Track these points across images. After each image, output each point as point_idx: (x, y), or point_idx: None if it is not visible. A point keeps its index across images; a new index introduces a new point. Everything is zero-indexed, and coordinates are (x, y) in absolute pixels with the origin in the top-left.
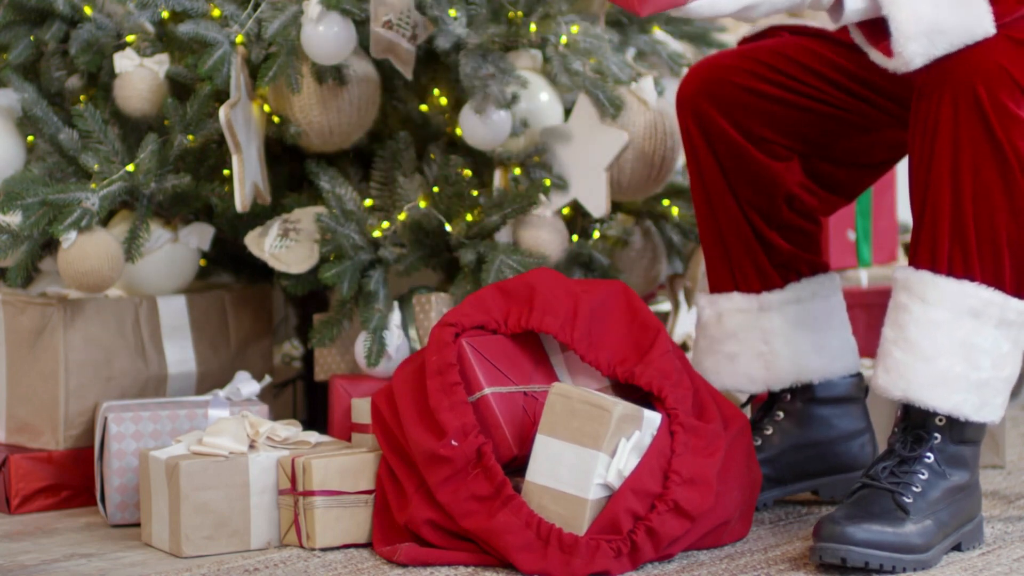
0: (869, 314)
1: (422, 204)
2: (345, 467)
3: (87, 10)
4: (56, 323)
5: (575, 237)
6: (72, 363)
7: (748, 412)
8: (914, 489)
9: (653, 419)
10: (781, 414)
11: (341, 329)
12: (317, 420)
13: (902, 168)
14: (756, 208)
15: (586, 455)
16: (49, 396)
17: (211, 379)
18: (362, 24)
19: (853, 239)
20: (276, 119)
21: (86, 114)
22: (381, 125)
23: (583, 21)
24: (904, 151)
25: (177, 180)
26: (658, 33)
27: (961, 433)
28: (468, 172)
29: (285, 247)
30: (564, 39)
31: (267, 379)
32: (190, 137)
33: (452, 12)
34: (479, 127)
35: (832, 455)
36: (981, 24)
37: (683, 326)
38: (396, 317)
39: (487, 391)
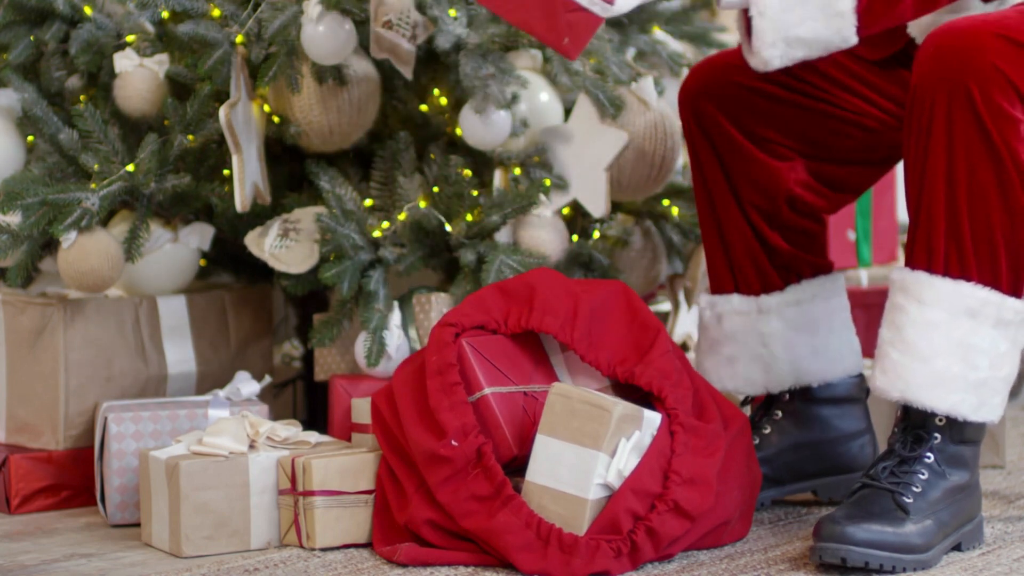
0: (869, 314)
1: (422, 204)
2: (345, 467)
3: (87, 10)
4: (56, 323)
5: (575, 237)
6: (72, 363)
7: (747, 411)
8: (914, 489)
9: (653, 419)
10: (779, 413)
11: (341, 329)
12: (317, 420)
13: (902, 168)
14: (757, 208)
15: (586, 455)
16: (49, 396)
17: (211, 379)
18: (362, 24)
19: (853, 239)
20: (276, 119)
21: (86, 114)
22: (381, 125)
23: None
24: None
25: (177, 180)
26: (658, 33)
27: (961, 433)
28: (468, 172)
29: (285, 247)
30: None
31: (267, 379)
32: (190, 137)
33: (452, 12)
34: (479, 127)
35: (831, 455)
36: (842, 35)
37: (683, 326)
38: (396, 317)
39: (487, 391)
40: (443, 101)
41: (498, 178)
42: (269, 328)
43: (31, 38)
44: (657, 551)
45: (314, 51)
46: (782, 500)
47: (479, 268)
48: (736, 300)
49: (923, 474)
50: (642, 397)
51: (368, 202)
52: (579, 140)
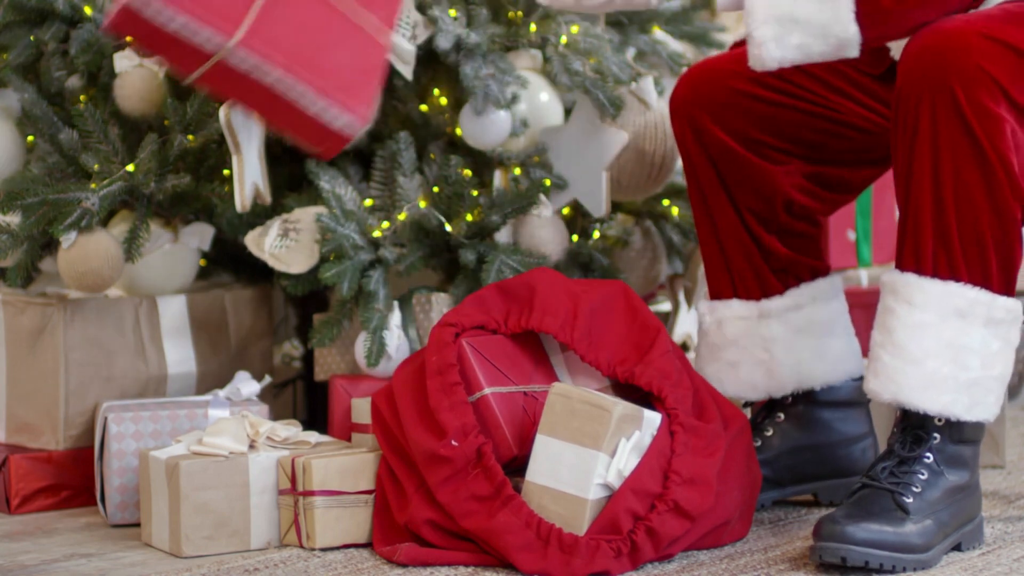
0: (869, 314)
1: (422, 204)
2: (345, 467)
3: (87, 10)
4: (56, 323)
5: (575, 237)
6: (72, 363)
7: (748, 413)
8: (914, 489)
9: (653, 419)
10: (782, 416)
11: (341, 329)
12: (317, 420)
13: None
14: (754, 213)
15: (586, 455)
16: (49, 396)
17: (211, 379)
18: None
19: (853, 239)
20: None
21: (86, 114)
22: (381, 125)
23: (583, 21)
24: None
25: (177, 180)
26: (658, 33)
27: (960, 433)
28: (468, 172)
29: (285, 247)
30: (564, 39)
31: (267, 379)
32: (190, 137)
33: (452, 12)
34: (479, 127)
35: (832, 459)
36: (839, 21)
37: (683, 326)
38: (396, 317)
39: (487, 391)
40: (443, 101)
41: (498, 178)
42: (269, 328)
43: (31, 38)
44: (657, 551)
45: None
46: (782, 501)
47: (479, 268)
48: (736, 305)
49: (923, 474)
50: (642, 397)
51: (368, 202)
52: (579, 140)
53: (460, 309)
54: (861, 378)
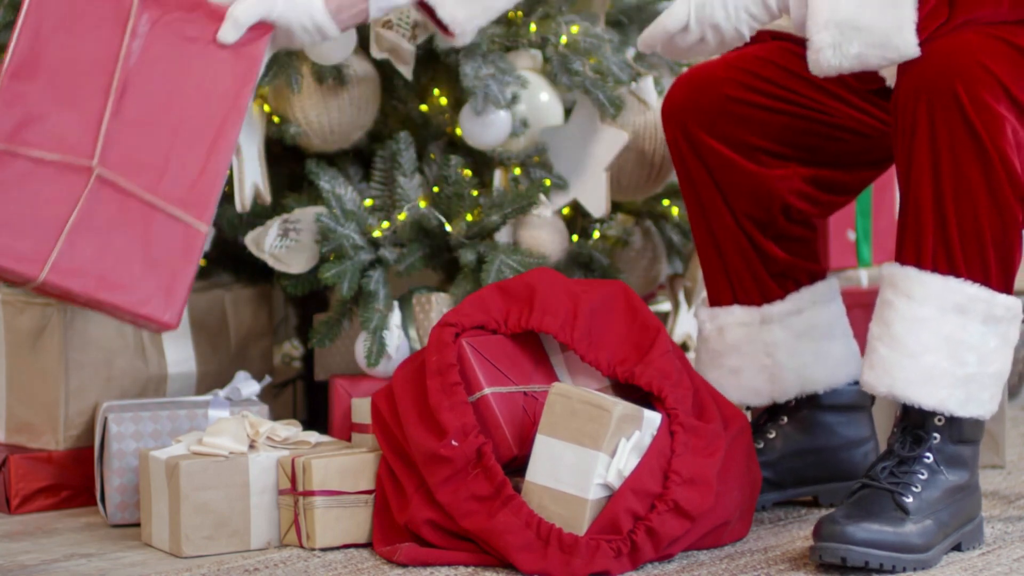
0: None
1: (422, 204)
2: (345, 467)
3: None
4: (56, 323)
5: (575, 237)
6: (72, 363)
7: (748, 415)
8: (914, 489)
9: (653, 419)
10: (785, 419)
11: (341, 329)
12: (317, 420)
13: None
14: (751, 218)
15: (586, 455)
16: (49, 396)
17: (211, 379)
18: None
19: (853, 239)
20: (276, 119)
21: None
22: (381, 125)
23: (583, 21)
24: None
25: None
26: None
27: (960, 432)
28: (468, 172)
29: (285, 247)
30: (564, 39)
31: (267, 379)
32: None
33: None
34: (479, 127)
35: (834, 462)
36: (901, 31)
37: (683, 326)
38: (396, 317)
39: (487, 391)
40: (443, 101)
41: (498, 178)
42: (269, 328)
43: None
44: (657, 551)
45: (314, 51)
46: (783, 502)
47: (479, 268)
48: (738, 311)
49: (922, 474)
50: (642, 397)
51: (368, 202)
52: (579, 140)
53: (460, 309)
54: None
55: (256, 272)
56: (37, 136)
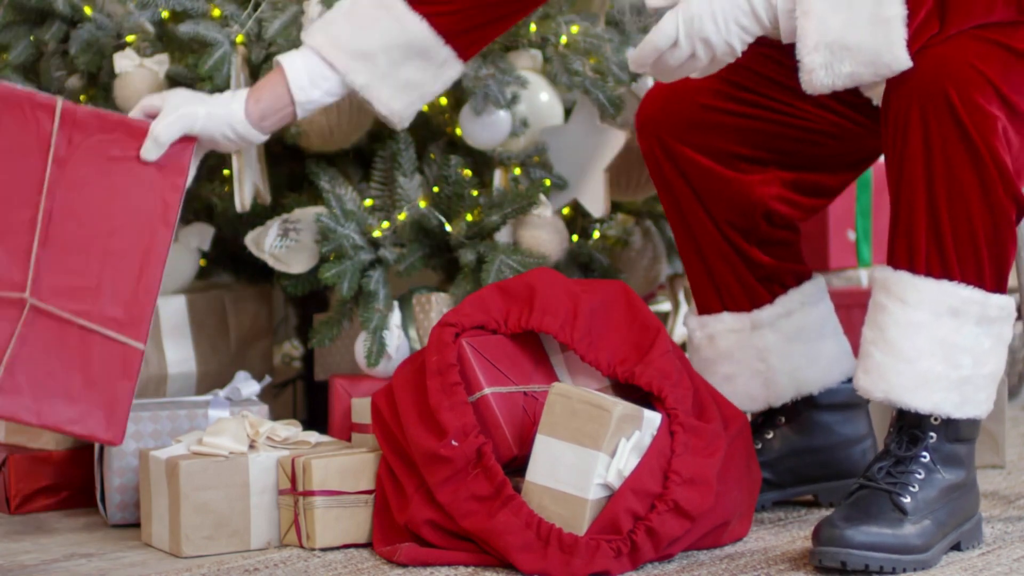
0: None
1: (422, 204)
2: (345, 467)
3: (87, 10)
4: None
5: (575, 237)
6: None
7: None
8: (911, 489)
9: (653, 419)
10: (782, 419)
11: (341, 329)
12: (317, 420)
13: None
14: (734, 226)
15: (586, 455)
16: None
17: (211, 379)
18: None
19: (853, 239)
20: None
21: None
22: (381, 125)
23: (583, 21)
24: (880, 152)
25: None
26: None
27: (956, 431)
28: (468, 172)
29: (285, 247)
30: (564, 39)
31: (267, 379)
32: None
33: None
34: (479, 127)
35: (833, 461)
36: (891, 49)
37: (683, 326)
38: (396, 317)
39: (487, 391)
40: (443, 101)
41: (498, 178)
42: (269, 328)
43: (31, 38)
44: (657, 551)
45: None
46: (783, 501)
47: (479, 268)
48: (728, 318)
49: (919, 474)
50: (642, 397)
51: (368, 202)
52: (579, 140)
53: (460, 309)
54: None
55: (256, 272)
56: None
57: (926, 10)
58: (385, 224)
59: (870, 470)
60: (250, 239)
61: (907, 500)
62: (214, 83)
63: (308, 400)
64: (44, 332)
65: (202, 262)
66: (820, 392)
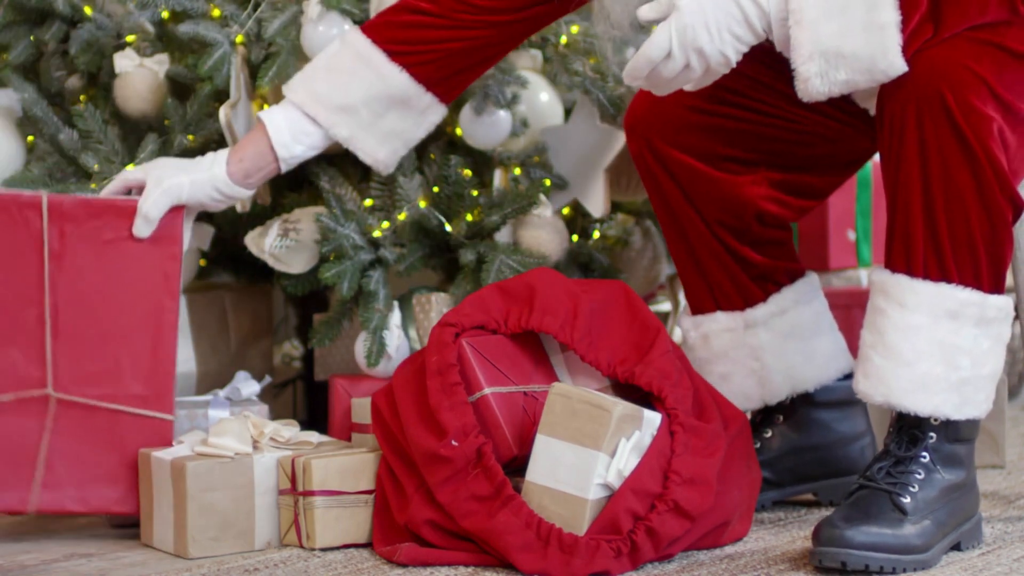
0: None
1: (422, 204)
2: (345, 467)
3: (87, 10)
4: None
5: (575, 237)
6: None
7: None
8: (911, 489)
9: (653, 419)
10: (780, 417)
11: (341, 329)
12: (317, 420)
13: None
14: (725, 226)
15: (586, 455)
16: None
17: (211, 379)
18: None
19: (853, 239)
20: None
21: (86, 114)
22: None
23: (583, 21)
24: (872, 152)
25: None
26: None
27: (956, 432)
28: (468, 172)
29: (285, 247)
30: (564, 39)
31: (267, 379)
32: (190, 137)
33: None
34: (479, 127)
35: (832, 459)
36: (887, 56)
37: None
38: (396, 317)
39: (487, 391)
40: None
41: (498, 178)
42: (269, 328)
43: (31, 38)
44: (657, 551)
45: (314, 51)
46: (783, 501)
47: (479, 268)
48: (721, 318)
49: (919, 474)
50: (642, 397)
51: (368, 202)
52: (579, 140)
53: (460, 309)
54: (851, 374)
55: (256, 272)
56: None
57: (920, 14)
58: (385, 224)
59: (870, 470)
60: (250, 239)
61: (907, 500)
62: (214, 83)
63: (308, 400)
64: (73, 422)
65: (202, 262)
66: (817, 390)
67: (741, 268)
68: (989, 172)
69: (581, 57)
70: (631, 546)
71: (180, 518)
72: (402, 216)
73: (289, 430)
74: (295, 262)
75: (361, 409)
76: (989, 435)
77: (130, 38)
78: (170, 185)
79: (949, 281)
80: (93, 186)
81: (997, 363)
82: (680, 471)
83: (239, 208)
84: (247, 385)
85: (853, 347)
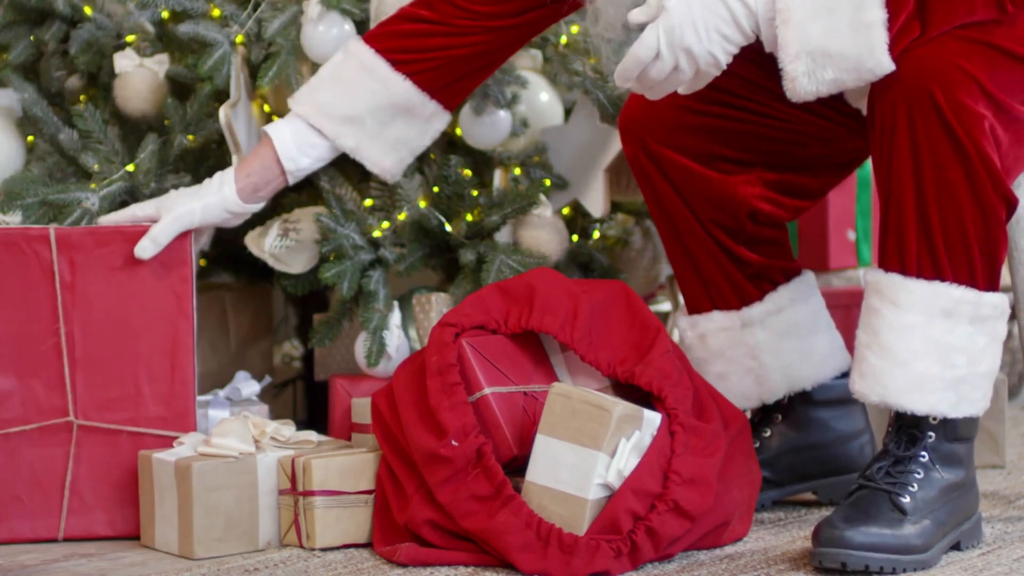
0: None
1: (422, 204)
2: (345, 467)
3: (87, 10)
4: None
5: (575, 237)
6: None
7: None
8: (910, 489)
9: (653, 419)
10: (779, 417)
11: (341, 329)
12: (317, 420)
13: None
14: (720, 226)
15: (586, 455)
16: None
17: (211, 379)
18: (362, 24)
19: (853, 239)
20: (276, 119)
21: (86, 114)
22: None
23: (583, 21)
24: (867, 153)
25: (177, 180)
26: None
27: (955, 431)
28: (468, 172)
29: (285, 247)
30: (564, 39)
31: (267, 379)
32: (190, 137)
33: None
34: (479, 127)
35: (831, 457)
36: (873, 55)
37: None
38: (396, 317)
39: (487, 391)
40: None
41: (498, 178)
42: (269, 328)
43: (31, 38)
44: (657, 551)
45: (314, 51)
46: (782, 501)
47: (479, 268)
48: (718, 317)
49: (918, 473)
50: (642, 397)
51: (368, 202)
52: (579, 140)
53: (460, 309)
54: (848, 372)
55: (256, 272)
56: (10, 413)
57: (907, 13)
58: (385, 224)
59: (869, 470)
60: (250, 239)
61: (906, 500)
62: (214, 83)
63: (308, 400)
64: (97, 447)
65: (202, 262)
66: (814, 388)
67: (737, 267)
68: (981, 169)
69: (581, 57)
70: (631, 546)
71: (185, 519)
72: (402, 216)
73: (288, 429)
74: (295, 262)
75: (361, 409)
76: (989, 435)
77: (130, 38)
78: (181, 213)
79: (943, 279)
80: (93, 186)
81: (994, 360)
82: (680, 471)
83: None
84: (247, 385)
85: (852, 347)
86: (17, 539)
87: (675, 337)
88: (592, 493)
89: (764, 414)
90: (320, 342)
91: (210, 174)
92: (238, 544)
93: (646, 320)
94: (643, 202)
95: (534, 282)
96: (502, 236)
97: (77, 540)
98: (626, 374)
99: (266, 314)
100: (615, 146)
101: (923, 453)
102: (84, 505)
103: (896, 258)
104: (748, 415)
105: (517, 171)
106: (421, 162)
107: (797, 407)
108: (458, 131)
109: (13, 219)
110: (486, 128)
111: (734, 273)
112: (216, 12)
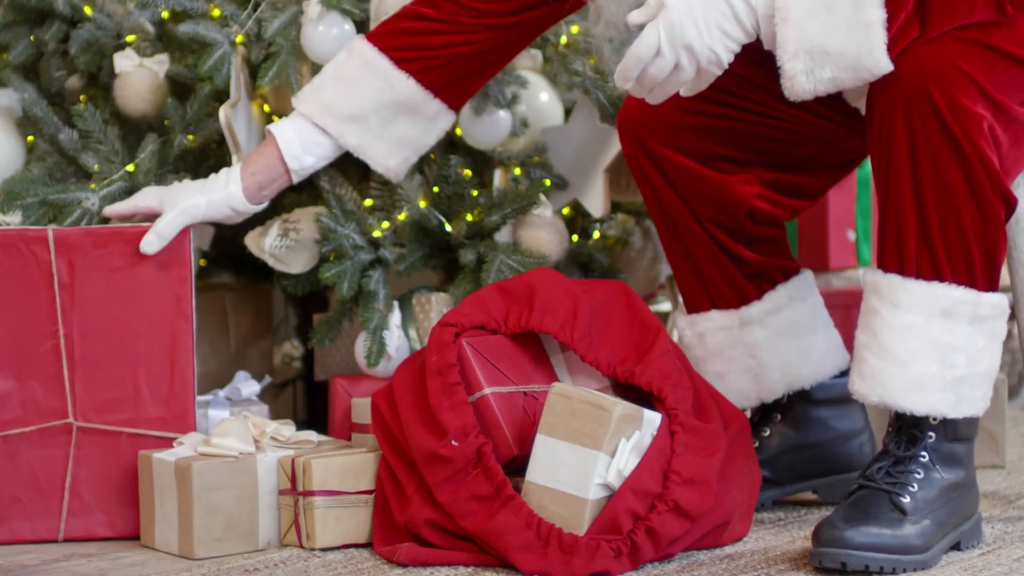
0: None
1: (422, 204)
2: (345, 467)
3: (87, 10)
4: None
5: (575, 237)
6: None
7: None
8: (910, 489)
9: (653, 419)
10: (778, 416)
11: (341, 329)
12: (317, 420)
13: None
14: (718, 224)
15: (586, 455)
16: None
17: (211, 379)
18: (362, 24)
19: (853, 239)
20: (276, 119)
21: (86, 114)
22: None
23: (583, 21)
24: (865, 153)
25: (177, 180)
26: None
27: (955, 431)
28: (468, 172)
29: (285, 247)
30: (564, 39)
31: (267, 379)
32: (190, 137)
33: None
34: (479, 127)
35: (830, 456)
36: (872, 55)
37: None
38: (396, 317)
39: (487, 391)
40: None
41: (498, 178)
42: (269, 328)
43: (31, 38)
44: (657, 551)
45: (314, 51)
46: (782, 500)
47: (479, 268)
48: (716, 316)
49: (919, 473)
50: (642, 397)
51: (368, 202)
52: (579, 140)
53: (460, 309)
54: (847, 371)
55: (256, 272)
56: (10, 415)
57: (906, 13)
58: (385, 224)
59: (869, 470)
60: (250, 239)
61: (906, 500)
62: (214, 83)
63: (308, 400)
64: (96, 448)
65: (202, 262)
66: (814, 387)
67: (735, 266)
68: (979, 170)
69: (581, 57)
70: (631, 546)
71: (185, 519)
72: (402, 216)
73: (288, 429)
74: (295, 262)
75: (361, 409)
76: (989, 435)
77: (130, 38)
78: (186, 207)
79: (942, 280)
80: (93, 186)
81: (994, 360)
82: (680, 471)
83: None
84: (247, 385)
85: (852, 347)
86: (17, 540)
87: (674, 336)
88: (592, 493)
89: (763, 413)
90: (320, 342)
91: (210, 174)
92: (238, 544)
93: (646, 320)
94: (643, 202)
95: (534, 282)
96: (502, 236)
97: (77, 541)
98: (626, 374)
99: (266, 314)
100: (615, 146)
101: (923, 453)
102: (84, 506)
103: (895, 258)
104: (747, 414)
105: (517, 171)
106: (421, 162)
107: (796, 406)
108: (458, 131)
109: (13, 219)
110: (486, 128)
111: (733, 272)
112: (216, 12)
